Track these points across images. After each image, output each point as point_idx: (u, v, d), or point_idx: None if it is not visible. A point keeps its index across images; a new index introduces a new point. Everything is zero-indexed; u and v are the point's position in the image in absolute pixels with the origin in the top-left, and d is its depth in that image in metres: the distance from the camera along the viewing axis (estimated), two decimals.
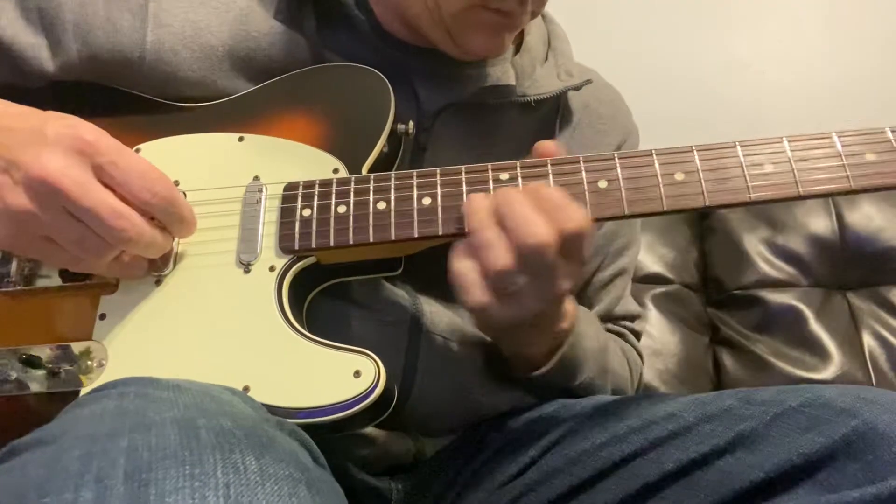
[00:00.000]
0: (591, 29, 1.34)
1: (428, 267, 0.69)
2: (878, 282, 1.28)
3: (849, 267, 1.29)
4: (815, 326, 1.24)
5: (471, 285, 0.56)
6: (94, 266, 0.58)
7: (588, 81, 0.79)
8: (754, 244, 1.31)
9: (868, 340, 1.24)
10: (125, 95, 0.71)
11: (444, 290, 0.73)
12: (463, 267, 0.57)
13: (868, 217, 1.29)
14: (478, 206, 0.58)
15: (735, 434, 0.57)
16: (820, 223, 1.30)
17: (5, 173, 0.54)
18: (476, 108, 0.75)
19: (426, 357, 0.70)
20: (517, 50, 0.80)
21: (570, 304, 0.68)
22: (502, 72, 0.77)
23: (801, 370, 1.21)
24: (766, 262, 1.30)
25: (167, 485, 0.36)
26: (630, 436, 0.63)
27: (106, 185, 0.54)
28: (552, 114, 0.80)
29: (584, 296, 0.85)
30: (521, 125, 0.77)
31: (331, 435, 0.56)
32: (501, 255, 0.55)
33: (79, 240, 0.55)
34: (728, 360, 1.25)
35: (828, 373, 1.21)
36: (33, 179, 0.52)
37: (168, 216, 0.58)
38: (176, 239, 0.63)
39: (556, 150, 0.62)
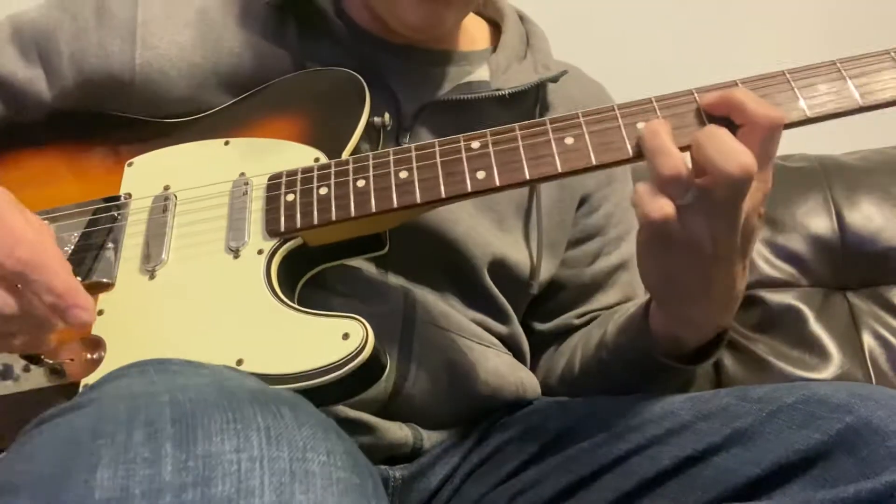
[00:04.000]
0: (590, 30, 1.35)
1: (418, 256, 0.72)
2: (878, 282, 1.28)
3: (849, 267, 1.28)
4: (815, 326, 1.24)
5: (645, 196, 0.55)
6: None
7: (564, 72, 0.80)
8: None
9: (868, 340, 1.24)
10: (118, 119, 0.75)
11: (436, 280, 0.74)
12: (637, 187, 0.56)
13: (868, 217, 1.29)
14: (657, 130, 0.57)
15: (731, 431, 0.57)
16: (820, 223, 1.30)
17: None
18: (454, 106, 0.76)
19: (420, 346, 0.71)
20: (494, 49, 0.82)
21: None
22: (477, 69, 0.80)
23: (801, 370, 1.21)
24: (766, 262, 1.29)
25: (213, 427, 0.38)
26: (627, 433, 0.64)
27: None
28: (532, 107, 0.81)
29: (590, 282, 0.85)
30: (501, 120, 0.76)
31: (328, 404, 0.57)
32: (670, 161, 0.54)
33: None
34: (728, 359, 1.25)
35: (828, 373, 1.21)
36: None
37: (35, 285, 0.53)
38: (168, 236, 0.65)
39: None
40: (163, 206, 0.68)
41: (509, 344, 0.80)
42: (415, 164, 0.63)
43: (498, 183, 0.61)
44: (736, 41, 1.50)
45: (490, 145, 0.62)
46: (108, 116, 0.75)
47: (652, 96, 0.61)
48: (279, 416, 0.40)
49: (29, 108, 0.75)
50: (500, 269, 0.76)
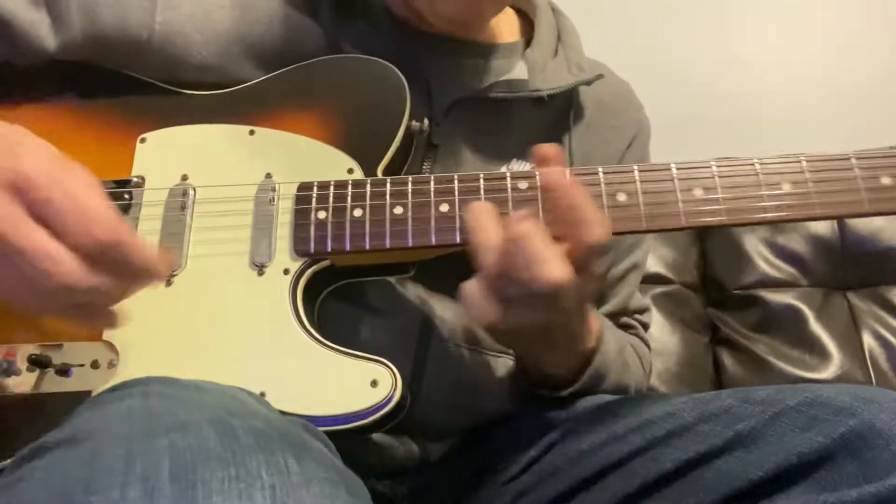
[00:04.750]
0: (591, 29, 1.34)
1: (441, 270, 0.68)
2: (878, 282, 1.28)
3: (849, 267, 1.28)
4: (815, 326, 1.24)
5: (475, 300, 0.55)
6: (49, 311, 0.54)
7: (600, 76, 0.77)
8: (754, 244, 1.31)
9: (868, 340, 1.24)
10: (130, 79, 0.68)
11: (455, 290, 0.72)
12: (469, 286, 0.55)
13: (868, 217, 1.29)
14: (483, 223, 0.56)
15: (734, 433, 0.57)
16: (820, 223, 1.30)
17: None
18: (487, 103, 0.73)
19: (434, 363, 0.69)
20: (528, 43, 0.79)
21: (595, 322, 0.68)
22: (514, 65, 0.77)
23: (801, 370, 1.21)
24: (766, 262, 1.29)
25: (214, 485, 0.36)
26: (629, 435, 0.63)
27: (44, 224, 0.49)
28: (565, 109, 0.78)
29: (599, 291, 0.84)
30: (534, 120, 0.76)
31: (340, 439, 0.55)
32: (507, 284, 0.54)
33: (20, 283, 0.50)
34: (728, 360, 1.25)
35: (828, 373, 1.21)
36: None
37: (110, 260, 0.50)
38: (187, 239, 0.62)
39: (557, 154, 0.60)
40: (180, 202, 0.63)
41: None
42: (457, 198, 0.60)
43: None
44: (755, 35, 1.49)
45: (538, 188, 0.60)
46: (119, 75, 0.68)
47: (712, 159, 0.59)
48: (286, 471, 0.38)
49: (30, 55, 0.67)
50: None
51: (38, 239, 0.48)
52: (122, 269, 0.51)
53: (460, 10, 0.67)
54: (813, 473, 0.52)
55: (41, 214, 0.49)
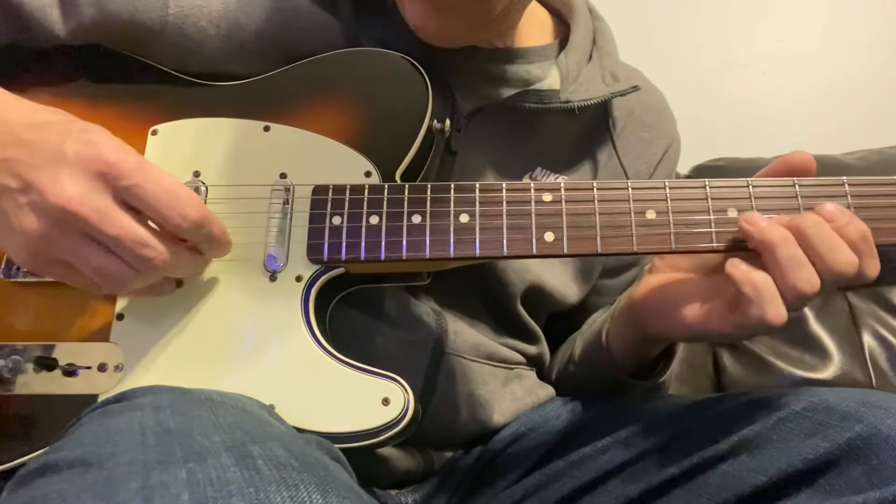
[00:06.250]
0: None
1: (455, 281, 0.67)
2: (878, 282, 1.28)
3: None
4: (815, 326, 1.24)
5: (773, 298, 0.52)
6: (116, 292, 0.54)
7: (635, 88, 0.73)
8: None
9: (868, 340, 1.24)
10: (143, 66, 0.67)
11: (469, 306, 0.71)
12: (760, 279, 0.52)
13: None
14: (767, 223, 0.54)
15: (738, 438, 0.57)
16: None
17: (23, 194, 0.49)
18: (514, 111, 0.70)
19: (445, 378, 0.68)
20: (561, 47, 0.75)
21: None
22: (546, 72, 0.73)
23: (801, 370, 1.21)
24: None
25: None
26: (632, 439, 0.63)
27: (131, 209, 0.50)
28: (600, 120, 0.76)
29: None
30: (562, 130, 0.73)
31: (348, 450, 0.55)
32: (812, 277, 0.52)
33: (100, 267, 0.51)
34: (728, 360, 1.25)
35: (828, 373, 1.21)
36: (51, 206, 0.48)
37: (199, 237, 0.53)
38: None
39: (810, 161, 0.57)
40: None
41: (536, 362, 0.78)
42: (478, 208, 0.58)
43: (566, 251, 0.56)
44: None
45: (563, 201, 0.58)
46: (132, 61, 0.67)
47: (748, 179, 0.57)
48: None
49: (40, 38, 0.65)
50: (535, 296, 0.73)
51: (131, 226, 0.50)
52: (203, 246, 0.55)
53: (422, 20, 0.62)
54: (818, 479, 0.52)
55: (129, 200, 0.50)
